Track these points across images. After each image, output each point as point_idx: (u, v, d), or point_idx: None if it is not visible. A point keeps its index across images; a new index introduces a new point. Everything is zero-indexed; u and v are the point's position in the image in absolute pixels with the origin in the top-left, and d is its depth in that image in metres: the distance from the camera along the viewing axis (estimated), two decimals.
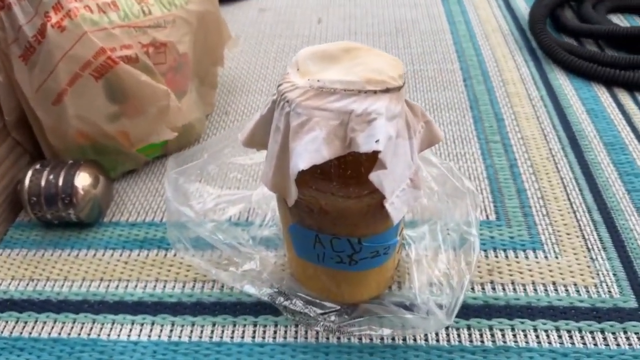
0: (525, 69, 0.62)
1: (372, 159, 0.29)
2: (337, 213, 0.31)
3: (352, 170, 0.31)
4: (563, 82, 0.60)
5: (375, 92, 0.28)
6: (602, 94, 0.58)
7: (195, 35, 0.51)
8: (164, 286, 0.43)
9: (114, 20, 0.43)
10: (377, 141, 0.27)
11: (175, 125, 0.47)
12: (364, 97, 0.28)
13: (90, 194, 0.45)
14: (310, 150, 0.28)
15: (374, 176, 0.29)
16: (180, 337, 0.39)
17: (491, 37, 0.68)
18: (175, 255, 0.45)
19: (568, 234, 0.44)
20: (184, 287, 0.43)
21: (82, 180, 0.45)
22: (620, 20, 0.69)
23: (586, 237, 0.44)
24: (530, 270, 0.42)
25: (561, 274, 0.41)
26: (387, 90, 0.28)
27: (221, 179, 0.45)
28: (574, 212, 0.46)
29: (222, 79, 0.63)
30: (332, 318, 0.37)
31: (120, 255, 0.45)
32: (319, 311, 0.37)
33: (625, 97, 0.57)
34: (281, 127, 0.29)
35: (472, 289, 0.40)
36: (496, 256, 0.43)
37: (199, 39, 0.51)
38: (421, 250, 0.39)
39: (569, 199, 0.47)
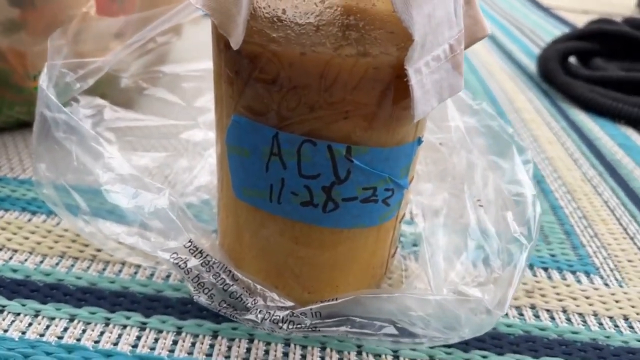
0: (539, 103, 0.53)
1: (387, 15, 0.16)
2: (317, 78, 0.17)
3: (354, 30, 0.18)
4: (584, 118, 0.50)
5: None
6: (632, 133, 0.48)
7: None
8: (10, 257, 0.26)
9: None
10: None
11: (89, 46, 0.33)
12: None
13: None
14: None
15: None
16: (7, 330, 0.22)
17: (496, 74, 0.60)
18: (45, 221, 0.29)
19: (630, 261, 0.31)
20: (42, 262, 0.26)
21: None
22: None
23: None
24: (587, 298, 0.27)
25: (633, 306, 0.27)
26: None
27: (137, 96, 0.30)
28: (631, 238, 0.33)
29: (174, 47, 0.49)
30: (278, 313, 0.21)
31: None
32: (260, 302, 0.21)
33: None
34: None
35: (505, 313, 0.26)
36: (535, 275, 0.29)
37: None
38: (430, 235, 0.25)
39: (620, 224, 0.34)
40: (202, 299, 0.20)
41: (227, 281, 0.20)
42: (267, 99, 0.18)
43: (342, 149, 0.19)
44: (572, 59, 0.64)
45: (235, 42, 0.17)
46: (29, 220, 0.29)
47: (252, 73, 0.18)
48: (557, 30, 0.82)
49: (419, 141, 0.21)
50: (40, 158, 0.25)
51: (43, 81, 0.24)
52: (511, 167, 0.24)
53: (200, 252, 0.20)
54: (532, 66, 0.64)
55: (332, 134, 0.19)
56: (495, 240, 0.22)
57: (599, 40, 0.64)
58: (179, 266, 0.20)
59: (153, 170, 0.31)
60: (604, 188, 0.38)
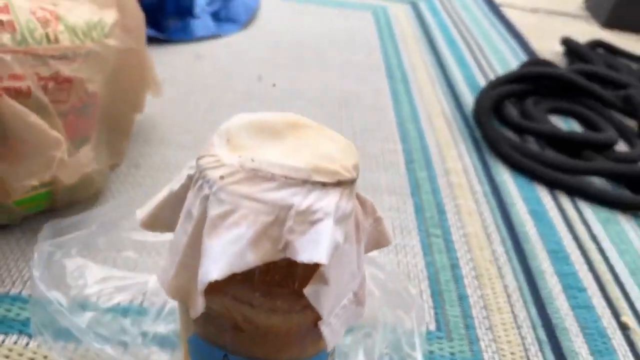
0: (469, 160, 0.59)
1: (311, 266, 0.22)
2: (256, 332, 0.24)
3: (281, 276, 0.24)
4: (507, 178, 0.58)
5: (324, 184, 0.22)
6: (545, 195, 0.56)
7: (112, 74, 0.43)
8: None
9: (6, 43, 0.35)
10: (320, 251, 0.21)
11: (63, 183, 0.38)
12: (309, 189, 0.21)
13: None
14: (231, 253, 0.20)
15: (311, 292, 0.22)
16: None
17: (435, 121, 0.66)
18: (39, 346, 0.35)
19: (512, 354, 0.39)
20: None
21: None
22: (558, 120, 0.70)
23: (530, 358, 0.39)
24: None
25: None
26: (338, 184, 0.22)
27: (112, 257, 0.36)
28: (518, 328, 0.41)
29: (139, 126, 0.55)
30: None
31: None
32: None
33: (566, 202, 0.55)
34: (195, 213, 0.22)
35: None
36: None
37: (115, 80, 0.44)
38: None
39: (512, 312, 0.42)
40: None
41: None
42: (219, 336, 0.25)
43: None
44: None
45: (194, 314, 0.23)
46: (27, 344, 0.35)
47: (207, 320, 0.24)
48: (504, 45, 0.88)
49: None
50: (38, 315, 0.31)
51: (36, 268, 0.29)
52: (411, 325, 0.31)
53: None
54: (470, 103, 0.70)
55: (267, 356, 0.25)
56: None
57: (532, 82, 0.71)
58: None
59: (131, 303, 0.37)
60: (507, 270, 0.46)
